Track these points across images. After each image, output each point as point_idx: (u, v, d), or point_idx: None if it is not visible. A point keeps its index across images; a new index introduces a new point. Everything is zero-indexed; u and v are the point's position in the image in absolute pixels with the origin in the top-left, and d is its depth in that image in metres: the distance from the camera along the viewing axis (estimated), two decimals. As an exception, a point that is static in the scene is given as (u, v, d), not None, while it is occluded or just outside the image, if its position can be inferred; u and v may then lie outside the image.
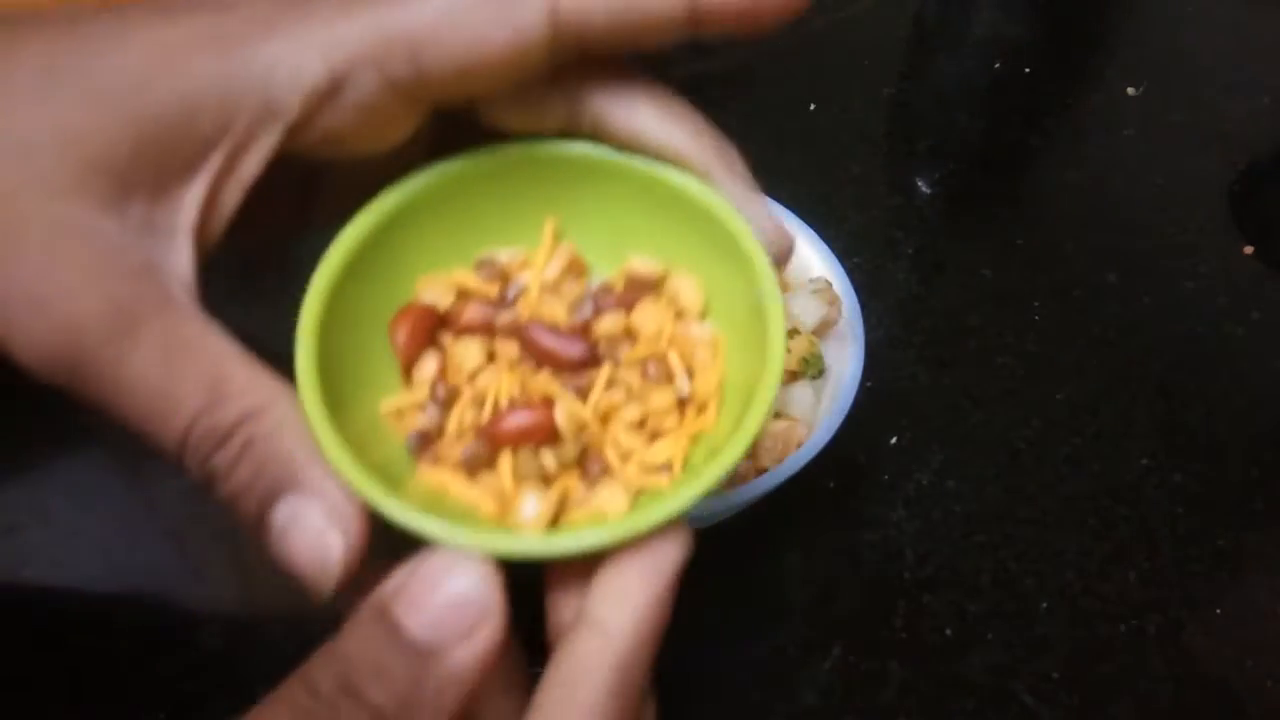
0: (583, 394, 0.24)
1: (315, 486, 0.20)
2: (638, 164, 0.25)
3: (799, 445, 0.37)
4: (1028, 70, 0.65)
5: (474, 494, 0.23)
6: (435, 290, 0.26)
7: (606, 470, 0.24)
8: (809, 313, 0.40)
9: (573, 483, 0.24)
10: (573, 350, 0.24)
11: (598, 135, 0.24)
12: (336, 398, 0.22)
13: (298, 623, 0.39)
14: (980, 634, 0.40)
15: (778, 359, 0.23)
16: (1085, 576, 0.42)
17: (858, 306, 0.40)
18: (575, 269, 0.27)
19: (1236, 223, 0.56)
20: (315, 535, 0.20)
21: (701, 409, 0.25)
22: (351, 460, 0.21)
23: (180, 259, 0.22)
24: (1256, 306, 0.52)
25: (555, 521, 0.23)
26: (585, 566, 0.22)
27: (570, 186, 0.26)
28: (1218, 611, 0.41)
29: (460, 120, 0.24)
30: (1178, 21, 0.69)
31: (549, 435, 0.23)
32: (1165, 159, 0.60)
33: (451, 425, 0.24)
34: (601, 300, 0.26)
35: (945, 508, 0.44)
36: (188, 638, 0.39)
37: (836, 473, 0.44)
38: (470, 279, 0.26)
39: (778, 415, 0.39)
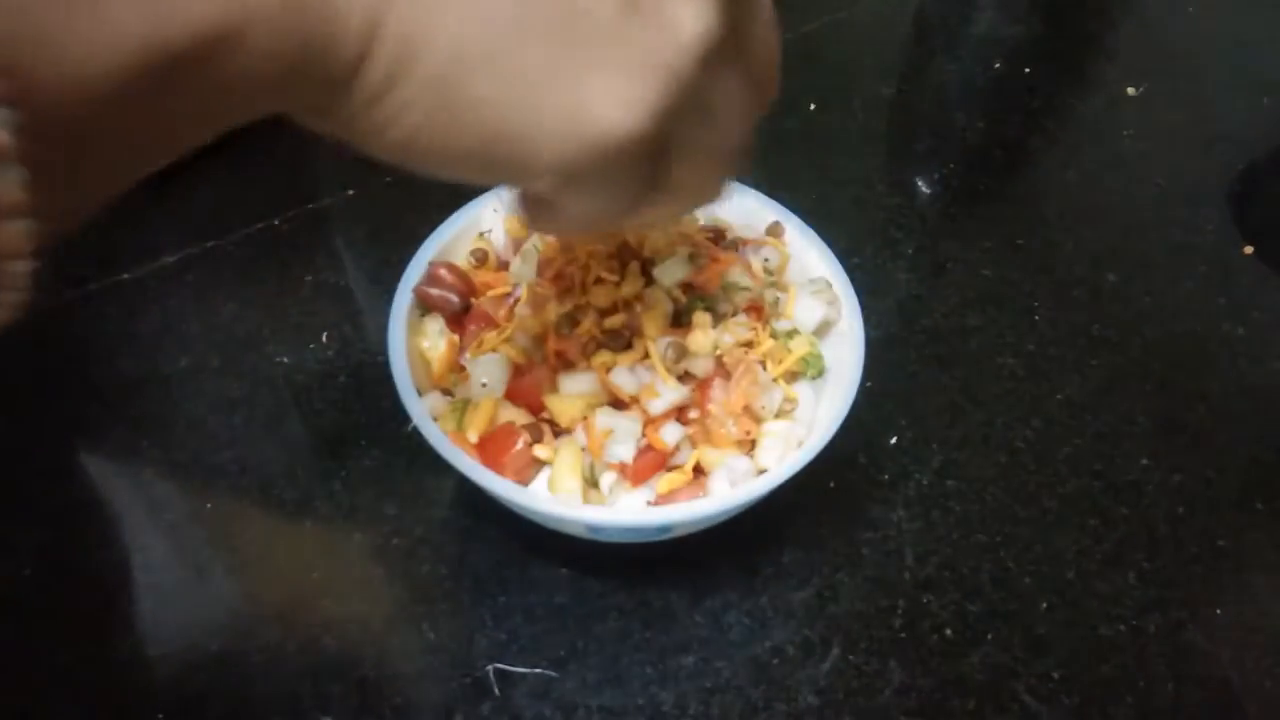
0: None
1: None
2: None
3: (799, 445, 0.37)
4: (1028, 70, 0.65)
5: None
6: None
7: None
8: (809, 313, 0.40)
9: None
10: None
11: None
12: None
13: (297, 623, 0.39)
14: (980, 634, 0.40)
15: None
16: (1085, 576, 0.42)
17: (858, 306, 0.40)
18: None
19: (1236, 223, 0.56)
20: None
21: None
22: None
23: None
24: (1256, 306, 0.52)
25: None
26: None
27: None
28: (1218, 611, 0.41)
29: None
30: (1178, 21, 0.69)
31: None
32: (1165, 159, 0.60)
33: None
34: None
35: (945, 508, 0.44)
36: (188, 638, 0.39)
37: (836, 473, 0.44)
38: None
39: (778, 415, 0.39)
